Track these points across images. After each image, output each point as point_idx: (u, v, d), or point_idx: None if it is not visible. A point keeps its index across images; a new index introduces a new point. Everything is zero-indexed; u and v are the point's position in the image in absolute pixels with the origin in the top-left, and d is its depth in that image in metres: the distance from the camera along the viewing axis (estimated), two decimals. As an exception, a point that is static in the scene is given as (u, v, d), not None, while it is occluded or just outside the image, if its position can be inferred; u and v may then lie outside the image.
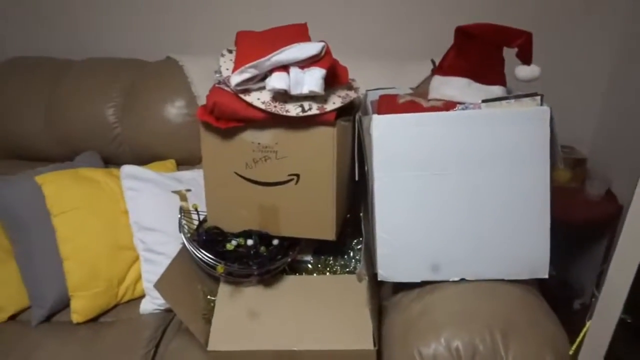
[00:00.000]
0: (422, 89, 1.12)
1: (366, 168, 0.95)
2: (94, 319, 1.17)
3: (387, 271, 0.94)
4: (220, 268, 0.95)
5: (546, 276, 0.90)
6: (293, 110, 0.88)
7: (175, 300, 0.94)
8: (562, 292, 1.66)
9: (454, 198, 0.88)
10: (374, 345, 0.89)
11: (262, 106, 0.88)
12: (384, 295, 1.06)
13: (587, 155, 1.56)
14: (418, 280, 0.93)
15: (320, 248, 1.09)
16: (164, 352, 1.08)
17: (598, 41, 1.47)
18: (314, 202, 0.96)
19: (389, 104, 1.04)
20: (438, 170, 0.87)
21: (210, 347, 0.94)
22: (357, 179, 0.97)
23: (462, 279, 0.91)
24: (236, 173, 0.98)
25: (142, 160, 1.41)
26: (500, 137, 0.84)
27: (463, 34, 0.98)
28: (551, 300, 0.94)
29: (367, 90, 1.19)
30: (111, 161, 1.48)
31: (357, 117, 0.92)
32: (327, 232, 0.98)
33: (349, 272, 1.04)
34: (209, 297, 1.04)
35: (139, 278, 1.21)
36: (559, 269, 1.38)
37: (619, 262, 1.37)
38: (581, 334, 1.01)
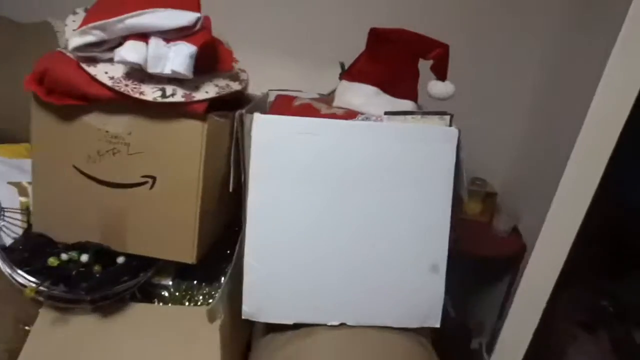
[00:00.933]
0: (332, 96, 0.97)
1: (243, 177, 0.77)
2: None
3: (252, 307, 0.75)
4: (29, 291, 0.72)
5: (438, 325, 0.76)
6: (150, 93, 0.68)
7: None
8: (460, 331, 1.58)
9: (341, 224, 0.72)
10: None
11: (109, 82, 0.68)
12: (255, 332, 0.87)
13: (497, 190, 1.50)
14: (289, 322, 0.76)
15: (185, 271, 0.89)
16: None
17: (520, 75, 1.42)
18: (172, 214, 0.76)
19: (282, 106, 0.88)
20: (324, 188, 0.71)
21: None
22: (231, 189, 0.79)
23: (342, 324, 0.76)
24: (75, 167, 0.75)
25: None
26: (400, 156, 0.70)
27: (377, 37, 0.85)
28: (448, 340, 0.82)
29: (269, 90, 1.02)
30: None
31: (237, 114, 0.75)
32: (186, 253, 0.78)
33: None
34: (21, 325, 0.79)
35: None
36: (459, 307, 1.29)
37: (520, 306, 1.31)
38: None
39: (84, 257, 0.77)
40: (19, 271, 0.73)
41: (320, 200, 0.71)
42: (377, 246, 0.74)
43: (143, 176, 0.74)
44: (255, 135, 0.71)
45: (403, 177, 0.70)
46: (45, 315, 0.78)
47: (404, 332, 0.76)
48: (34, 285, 0.72)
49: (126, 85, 0.68)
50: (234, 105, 0.78)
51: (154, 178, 0.74)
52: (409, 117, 0.72)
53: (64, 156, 0.75)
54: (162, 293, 0.86)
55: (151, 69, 0.66)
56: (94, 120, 0.73)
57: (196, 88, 0.71)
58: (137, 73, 0.69)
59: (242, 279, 0.81)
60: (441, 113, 0.73)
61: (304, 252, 0.74)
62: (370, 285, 0.75)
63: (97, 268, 0.75)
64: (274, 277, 0.74)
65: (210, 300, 0.85)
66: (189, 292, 0.85)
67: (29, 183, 1.00)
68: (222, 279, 0.89)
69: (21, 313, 0.80)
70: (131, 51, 0.65)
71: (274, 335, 0.80)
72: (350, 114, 0.83)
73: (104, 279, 0.75)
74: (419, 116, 0.72)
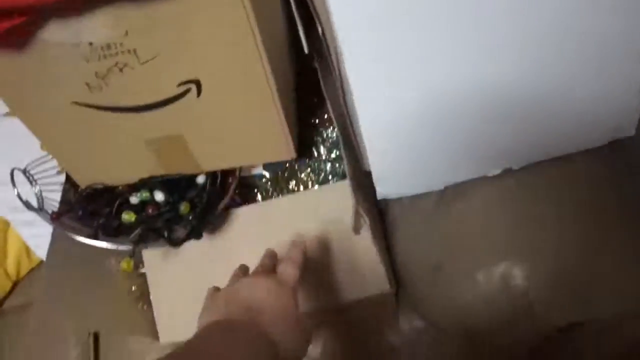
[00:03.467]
0: None
1: (320, 30, 0.48)
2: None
3: (390, 187, 0.59)
4: (126, 265, 0.58)
5: (632, 133, 0.57)
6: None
7: (79, 313, 0.61)
8: None
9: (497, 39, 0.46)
10: (391, 286, 0.62)
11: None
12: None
13: None
14: (440, 187, 0.60)
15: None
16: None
17: None
18: (242, 112, 0.52)
19: None
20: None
21: (163, 340, 0.66)
22: (306, 50, 0.51)
23: (507, 170, 0.58)
24: (76, 103, 0.50)
25: None
26: None
27: None
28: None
29: None
30: None
31: None
32: (282, 150, 0.57)
33: (322, 182, 0.69)
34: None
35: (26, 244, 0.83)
36: None
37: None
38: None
39: (159, 196, 0.59)
40: (104, 244, 0.58)
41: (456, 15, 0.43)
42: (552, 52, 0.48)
43: (180, 84, 0.48)
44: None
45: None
46: (150, 255, 0.67)
47: (583, 155, 0.58)
48: (126, 258, 0.58)
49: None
50: None
51: (196, 82, 0.48)
52: None
53: (54, 98, 0.49)
54: (261, 183, 0.71)
55: None
56: (59, 34, 0.43)
57: None
58: None
59: (356, 147, 0.63)
60: None
61: (435, 106, 0.50)
62: (540, 110, 0.53)
63: (184, 208, 0.58)
64: (406, 146, 0.54)
65: (320, 180, 0.69)
66: (287, 174, 0.69)
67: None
68: (319, 150, 0.70)
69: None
70: None
71: (416, 196, 0.65)
72: None
73: (201, 215, 0.59)
74: None
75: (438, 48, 0.45)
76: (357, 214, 0.54)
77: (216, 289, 0.48)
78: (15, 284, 0.86)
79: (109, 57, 0.45)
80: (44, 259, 0.83)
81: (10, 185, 0.75)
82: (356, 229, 0.54)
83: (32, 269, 0.86)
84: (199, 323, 0.42)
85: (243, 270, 0.50)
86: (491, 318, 0.57)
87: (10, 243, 0.81)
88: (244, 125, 0.53)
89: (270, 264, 0.48)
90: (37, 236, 0.79)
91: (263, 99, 0.50)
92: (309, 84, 0.70)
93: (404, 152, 0.54)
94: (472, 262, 0.57)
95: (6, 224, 0.80)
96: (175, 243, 0.57)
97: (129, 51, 0.44)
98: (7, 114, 0.74)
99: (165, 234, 0.56)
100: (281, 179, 0.69)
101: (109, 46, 0.44)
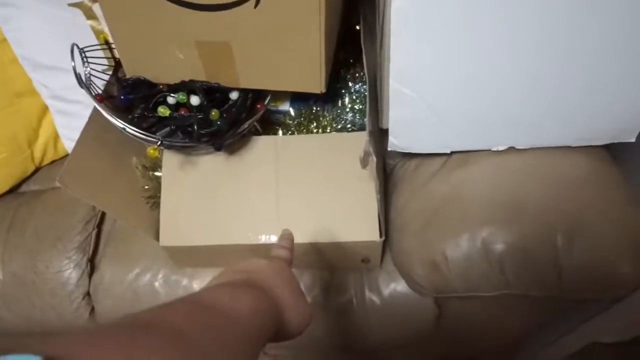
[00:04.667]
0: None
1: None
2: (12, 190, 0.90)
3: (402, 139, 0.64)
4: (152, 151, 0.64)
5: (632, 139, 0.62)
6: None
7: (95, 194, 0.66)
8: None
9: (525, 19, 0.52)
10: (380, 236, 0.66)
11: None
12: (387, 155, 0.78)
13: None
14: (446, 150, 0.65)
15: (299, 93, 0.75)
16: (111, 230, 0.85)
17: None
18: (288, 35, 0.58)
19: None
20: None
21: (163, 242, 0.71)
22: None
23: (510, 148, 0.63)
24: (150, -11, 0.56)
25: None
26: None
27: None
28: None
29: None
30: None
31: None
32: (313, 82, 0.63)
33: (340, 129, 0.74)
34: (151, 173, 0.76)
35: (57, 132, 0.89)
36: None
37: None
38: None
39: (194, 100, 0.65)
40: (132, 128, 0.64)
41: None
42: (569, 46, 0.54)
43: (243, -9, 0.54)
44: None
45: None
46: (169, 160, 0.73)
47: (582, 150, 0.63)
48: (154, 142, 0.63)
49: None
50: None
51: (258, -8, 0.54)
52: None
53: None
54: (284, 119, 0.77)
55: None
56: None
57: None
58: None
59: (379, 100, 0.68)
60: None
61: (463, 70, 0.56)
62: (548, 100, 0.58)
63: (214, 114, 0.64)
64: (427, 102, 0.59)
65: (339, 126, 0.74)
66: (316, 117, 0.74)
67: (92, 1, 0.82)
68: (344, 99, 0.76)
69: (145, 160, 0.76)
70: None
71: (421, 160, 0.70)
72: None
73: (225, 124, 0.65)
74: None
75: (483, 30, 0.51)
76: (366, 152, 0.59)
77: None
78: (36, 170, 0.91)
79: (192, -52, 0.51)
80: (69, 152, 0.89)
81: (58, 72, 0.82)
82: (363, 163, 0.59)
83: (55, 161, 0.92)
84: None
85: None
86: (466, 277, 0.61)
87: (44, 128, 0.87)
88: (288, 47, 0.59)
89: None
90: (68, 127, 0.85)
91: (312, 24, 0.56)
92: (349, 44, 0.76)
93: (424, 106, 0.59)
94: (459, 224, 0.61)
95: (44, 109, 0.86)
96: (200, 140, 0.62)
97: (209, -53, 0.51)
98: (70, 4, 0.81)
99: (194, 130, 0.62)
100: (304, 119, 0.75)
101: (194, -62, 0.50)
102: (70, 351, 0.21)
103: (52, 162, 0.92)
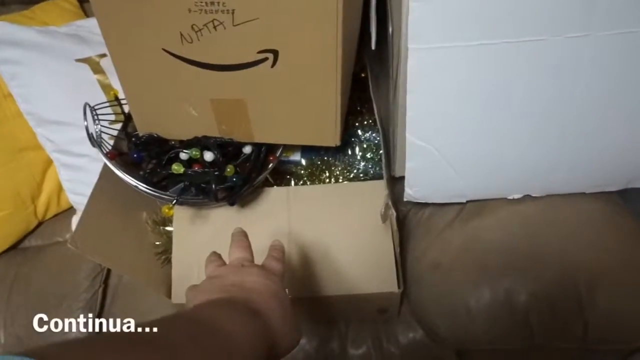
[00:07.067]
0: None
1: (390, 30, 0.56)
2: (13, 246, 0.87)
3: (418, 190, 0.64)
4: (167, 210, 0.63)
5: (645, 185, 0.62)
6: None
7: (105, 254, 0.64)
8: None
9: (540, 76, 0.53)
10: (399, 287, 0.65)
11: None
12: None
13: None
14: (462, 200, 0.65)
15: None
16: (118, 285, 0.83)
17: None
18: (304, 93, 0.58)
19: None
20: (518, 35, 0.50)
21: (175, 300, 0.69)
22: (373, 46, 0.58)
23: (526, 196, 0.63)
24: (166, 51, 0.56)
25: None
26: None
27: None
28: None
29: None
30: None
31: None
32: (328, 136, 0.63)
33: (352, 179, 0.74)
34: (162, 228, 0.74)
35: (60, 186, 0.87)
36: None
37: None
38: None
39: (208, 156, 0.65)
40: (144, 186, 0.63)
41: (512, 51, 0.50)
42: (581, 99, 0.55)
43: (260, 51, 0.55)
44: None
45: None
46: (180, 214, 0.72)
47: (597, 196, 0.63)
48: (169, 200, 0.62)
49: None
50: None
51: (274, 52, 0.55)
52: None
53: (148, 39, 0.56)
54: (295, 170, 0.76)
55: None
56: (176, -18, 0.50)
57: None
58: None
59: (391, 151, 0.68)
60: None
61: (477, 123, 0.57)
62: (563, 149, 0.59)
63: (229, 170, 0.63)
64: (443, 154, 0.59)
65: (351, 176, 0.74)
66: (328, 168, 0.74)
67: (100, 56, 0.83)
68: (354, 149, 0.76)
69: (155, 215, 0.75)
70: None
71: (435, 209, 0.70)
72: None
73: (240, 180, 0.64)
74: None
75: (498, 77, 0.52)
76: (387, 205, 0.58)
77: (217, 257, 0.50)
78: (39, 224, 0.89)
79: (209, 12, 0.52)
80: (73, 205, 0.87)
81: (64, 126, 0.81)
82: (384, 218, 0.59)
83: (58, 214, 0.90)
84: (188, 298, 0.43)
85: (217, 256, 0.52)
86: (490, 329, 0.60)
87: (47, 182, 0.85)
88: (303, 102, 0.59)
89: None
90: (74, 181, 0.83)
91: (328, 81, 0.56)
92: (355, 91, 0.77)
93: (440, 158, 0.60)
94: (479, 274, 0.61)
95: (48, 162, 0.84)
96: (216, 198, 0.62)
97: (227, 11, 0.51)
98: (77, 60, 0.81)
99: (210, 188, 0.61)
100: (316, 169, 0.75)
101: (212, 2, 0.51)
102: (67, 354, 0.23)
103: (57, 215, 0.90)
